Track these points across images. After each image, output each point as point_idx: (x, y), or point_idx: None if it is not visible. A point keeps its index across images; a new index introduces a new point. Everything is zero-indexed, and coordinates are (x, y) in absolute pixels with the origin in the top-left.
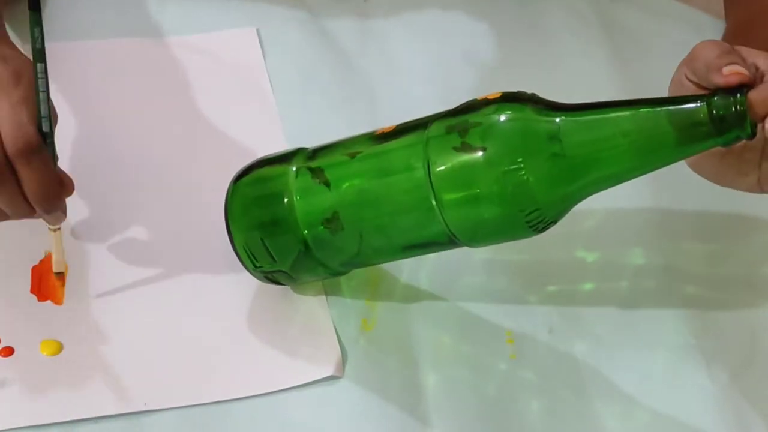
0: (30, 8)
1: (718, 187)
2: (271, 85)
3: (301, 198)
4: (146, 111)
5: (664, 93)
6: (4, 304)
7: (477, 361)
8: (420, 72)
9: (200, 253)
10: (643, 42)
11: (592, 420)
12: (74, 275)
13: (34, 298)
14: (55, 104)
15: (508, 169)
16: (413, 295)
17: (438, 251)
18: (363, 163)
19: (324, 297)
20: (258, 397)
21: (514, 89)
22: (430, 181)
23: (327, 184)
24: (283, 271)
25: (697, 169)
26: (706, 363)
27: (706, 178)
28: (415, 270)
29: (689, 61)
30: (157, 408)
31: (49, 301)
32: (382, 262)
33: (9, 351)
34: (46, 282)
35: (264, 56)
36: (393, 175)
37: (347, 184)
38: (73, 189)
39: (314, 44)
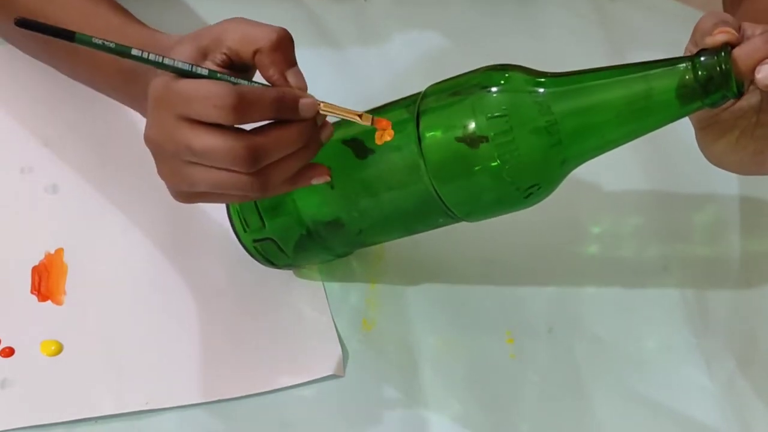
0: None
1: (719, 190)
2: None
3: None
4: None
5: None
6: (4, 304)
7: (477, 361)
8: (420, 72)
9: (200, 252)
10: (642, 41)
11: (591, 419)
12: (74, 275)
13: (35, 298)
14: (56, 105)
15: (498, 143)
16: (413, 294)
17: (438, 227)
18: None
19: (324, 296)
20: (258, 397)
21: None
22: (422, 157)
23: None
24: (275, 242)
25: (717, 161)
26: (706, 363)
27: (729, 169)
28: (416, 268)
29: (693, 33)
30: (158, 407)
31: (49, 301)
32: (386, 241)
33: (9, 351)
34: (46, 282)
35: None
36: (385, 151)
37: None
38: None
39: (314, 44)
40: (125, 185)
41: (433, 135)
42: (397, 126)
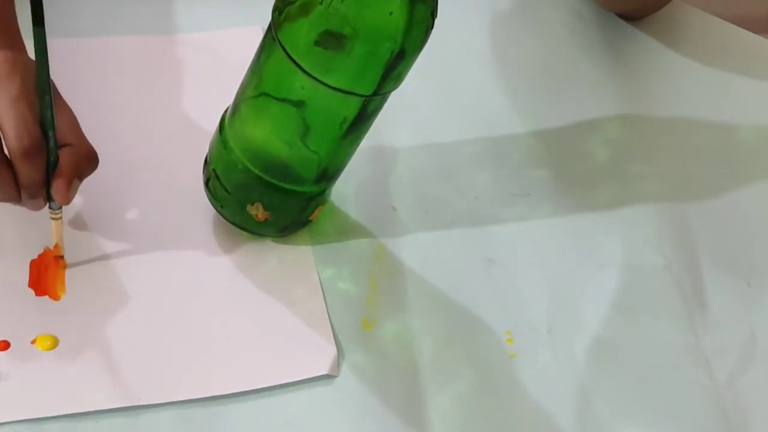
0: (35, 24)
1: (719, 190)
2: None
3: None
4: (151, 108)
5: (664, 88)
6: (1, 298)
7: (477, 361)
8: (418, 71)
9: (197, 249)
10: (642, 40)
11: (591, 419)
12: (71, 271)
13: (32, 292)
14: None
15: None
16: (413, 294)
17: (360, 115)
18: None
19: (321, 295)
20: (257, 397)
21: (512, 86)
22: (289, 56)
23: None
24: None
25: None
26: (706, 362)
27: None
28: (416, 268)
29: None
30: (151, 403)
31: (46, 296)
32: (337, 161)
33: (5, 345)
34: (44, 276)
35: None
36: (267, 75)
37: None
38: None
39: None
40: (125, 182)
41: (288, 32)
42: (264, 49)
